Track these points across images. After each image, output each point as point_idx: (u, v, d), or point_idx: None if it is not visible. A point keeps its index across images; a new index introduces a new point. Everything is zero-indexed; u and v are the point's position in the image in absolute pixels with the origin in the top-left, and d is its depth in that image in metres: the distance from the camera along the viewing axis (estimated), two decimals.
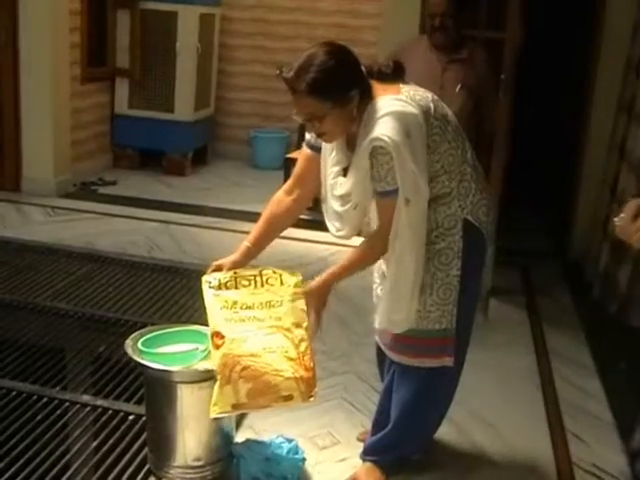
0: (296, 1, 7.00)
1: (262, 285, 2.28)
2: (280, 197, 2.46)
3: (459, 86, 3.47)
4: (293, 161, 5.47)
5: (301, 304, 2.26)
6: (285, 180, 5.46)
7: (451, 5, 3.54)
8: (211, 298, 2.26)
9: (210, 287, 2.28)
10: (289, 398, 2.15)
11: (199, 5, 6.47)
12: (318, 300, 2.26)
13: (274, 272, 2.30)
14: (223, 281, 2.28)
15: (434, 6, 3.59)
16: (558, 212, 5.35)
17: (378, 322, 2.36)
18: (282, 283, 2.29)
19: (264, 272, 2.30)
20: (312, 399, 2.19)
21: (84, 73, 5.98)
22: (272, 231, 2.45)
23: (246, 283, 2.28)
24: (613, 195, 4.30)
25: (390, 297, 2.28)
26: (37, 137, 5.56)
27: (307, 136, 2.42)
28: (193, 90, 6.55)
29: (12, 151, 5.61)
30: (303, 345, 2.20)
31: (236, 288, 2.27)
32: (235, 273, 2.30)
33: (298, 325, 2.22)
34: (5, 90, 5.51)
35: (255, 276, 2.29)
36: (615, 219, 2.00)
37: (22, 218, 5.19)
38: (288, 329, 2.20)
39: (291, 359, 2.16)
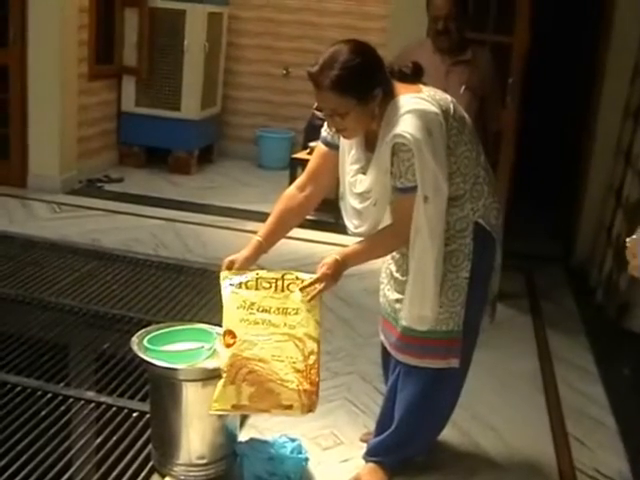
0: (304, 1, 7.02)
1: (282, 290, 2.26)
2: (292, 193, 2.46)
3: (463, 87, 3.47)
4: (299, 161, 5.50)
5: (316, 314, 2.25)
6: (291, 180, 5.54)
7: (454, 8, 3.55)
8: (229, 295, 2.26)
9: (230, 284, 2.28)
10: (289, 407, 2.16)
11: (207, 4, 6.49)
12: (333, 276, 2.22)
13: (297, 278, 2.28)
14: (244, 280, 2.27)
15: (437, 9, 3.59)
16: (563, 216, 5.35)
17: (405, 319, 2.33)
18: (301, 291, 2.27)
19: (286, 277, 2.28)
20: (311, 413, 2.20)
21: (92, 70, 6.00)
22: (283, 226, 2.45)
23: (267, 285, 2.27)
24: (618, 200, 4.31)
25: (415, 293, 2.27)
26: (44, 134, 5.57)
27: (323, 133, 2.43)
28: (200, 89, 6.56)
29: (19, 147, 5.63)
30: (312, 358, 2.20)
31: (256, 289, 2.26)
32: (258, 274, 2.29)
33: (310, 337, 2.22)
34: (13, 86, 5.53)
35: (277, 280, 2.27)
36: (627, 239, 2.03)
37: (28, 214, 5.20)
38: (300, 339, 2.21)
39: (298, 371, 2.17)
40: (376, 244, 2.31)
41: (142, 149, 6.69)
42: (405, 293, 2.32)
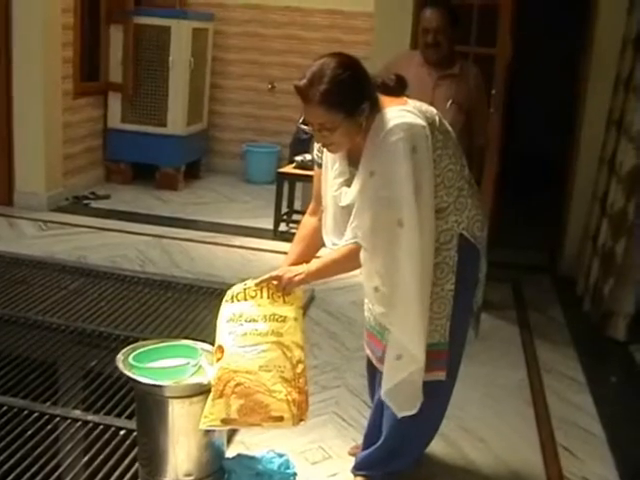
0: (289, 16, 7.05)
1: (268, 297, 2.29)
2: (306, 220, 2.52)
3: (450, 101, 3.49)
4: (285, 176, 5.50)
5: (302, 324, 2.29)
6: (277, 194, 5.53)
7: (444, 21, 3.57)
8: (222, 310, 2.30)
9: (225, 300, 2.32)
10: (279, 419, 2.16)
11: (192, 20, 6.52)
12: (290, 286, 2.28)
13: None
14: (235, 294, 2.31)
15: (427, 22, 3.61)
16: (550, 226, 5.37)
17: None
18: (285, 302, 2.30)
19: (272, 285, 2.30)
20: (303, 423, 2.20)
21: (76, 88, 6.00)
22: (305, 251, 2.46)
23: (253, 294, 2.30)
24: (603, 209, 4.33)
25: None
26: (29, 151, 5.57)
27: (314, 155, 2.46)
28: (186, 104, 6.57)
29: (4, 165, 5.61)
30: (300, 367, 2.21)
31: (245, 299, 2.29)
32: (245, 284, 2.32)
33: (298, 345, 2.23)
34: None
35: (262, 287, 2.30)
36: None
37: (14, 232, 5.18)
38: (288, 347, 2.21)
39: (286, 380, 2.17)
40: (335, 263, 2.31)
41: (129, 165, 6.69)
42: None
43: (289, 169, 5.50)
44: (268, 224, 5.47)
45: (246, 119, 7.36)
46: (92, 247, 4.92)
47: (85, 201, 5.98)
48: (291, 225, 5.48)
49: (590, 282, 4.33)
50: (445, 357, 2.35)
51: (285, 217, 5.60)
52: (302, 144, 5.58)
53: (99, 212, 5.75)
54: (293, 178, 5.52)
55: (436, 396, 2.43)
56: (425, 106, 2.27)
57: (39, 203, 5.60)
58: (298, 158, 5.36)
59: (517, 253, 5.24)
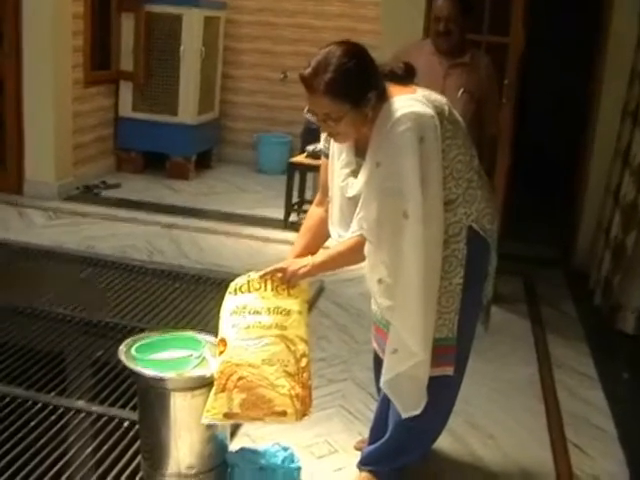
0: (301, 5, 7.00)
1: (272, 290, 2.25)
2: (312, 211, 2.48)
3: (461, 90, 3.44)
4: (296, 166, 5.46)
5: (307, 317, 2.25)
6: (289, 185, 5.49)
7: (455, 10, 3.52)
8: (226, 302, 2.27)
9: (228, 292, 2.28)
10: (282, 414, 2.12)
11: (204, 8, 6.47)
12: (294, 279, 2.25)
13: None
14: (238, 286, 2.27)
15: (439, 10, 3.56)
16: (563, 218, 5.31)
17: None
18: (290, 295, 2.26)
19: (276, 277, 2.27)
20: (306, 418, 2.16)
21: (87, 76, 5.97)
22: (311, 243, 2.41)
23: (257, 286, 2.26)
24: (616, 202, 4.26)
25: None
26: (39, 140, 5.55)
27: (321, 145, 2.41)
28: (197, 93, 6.54)
29: (15, 154, 5.60)
30: (304, 361, 2.18)
31: (249, 292, 2.26)
32: (249, 276, 2.28)
33: (302, 339, 2.20)
34: (8, 94, 5.50)
35: (266, 280, 2.26)
36: None
37: (24, 221, 5.17)
38: (292, 341, 2.18)
39: (290, 374, 2.14)
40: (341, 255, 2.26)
41: (140, 155, 6.66)
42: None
43: (300, 159, 5.46)
44: (279, 214, 5.43)
45: (258, 109, 7.32)
46: (101, 237, 4.90)
47: (95, 190, 5.96)
48: (302, 215, 5.43)
49: (601, 275, 4.27)
50: (453, 352, 2.30)
51: (296, 207, 5.56)
52: (313, 133, 5.50)
53: (109, 201, 5.73)
54: (304, 168, 5.48)
55: (444, 391, 2.39)
56: (434, 95, 2.21)
57: (49, 192, 5.59)
58: (309, 148, 5.31)
59: (529, 246, 5.18)
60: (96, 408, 2.85)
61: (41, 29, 5.33)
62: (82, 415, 2.81)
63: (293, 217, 5.42)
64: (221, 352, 2.19)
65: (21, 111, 5.51)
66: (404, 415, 2.27)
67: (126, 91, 6.53)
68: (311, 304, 3.93)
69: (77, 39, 5.75)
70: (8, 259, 4.41)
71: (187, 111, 6.50)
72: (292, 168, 5.48)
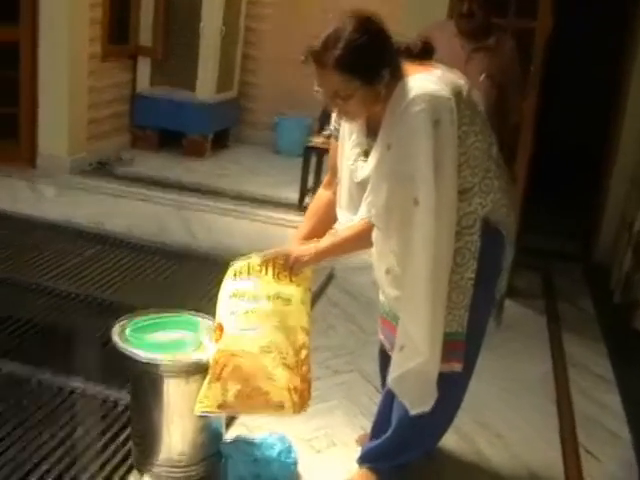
0: None
1: (273, 275, 2.15)
2: (320, 192, 2.40)
3: (483, 75, 3.31)
4: (313, 150, 5.35)
5: (308, 308, 2.17)
6: (304, 168, 5.39)
7: None
8: (224, 285, 2.17)
9: (227, 276, 2.18)
10: (279, 407, 2.04)
11: None
12: (297, 266, 2.15)
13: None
14: (238, 269, 2.17)
15: None
16: (584, 212, 5.16)
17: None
18: (291, 282, 2.16)
19: (278, 262, 2.16)
20: (304, 411, 2.07)
21: (105, 50, 5.86)
22: (318, 226, 2.32)
23: (258, 269, 2.16)
24: None
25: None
26: (53, 114, 5.46)
27: (332, 126, 2.31)
28: (215, 71, 6.43)
29: (28, 128, 5.52)
30: (304, 352, 2.10)
31: (248, 274, 2.15)
32: (249, 258, 2.18)
33: (303, 329, 2.11)
34: (23, 67, 5.41)
35: (267, 264, 2.16)
36: None
37: (35, 195, 5.10)
38: (291, 330, 2.09)
39: (288, 367, 2.05)
40: (357, 234, 2.15)
41: (155, 132, 6.55)
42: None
43: (318, 141, 5.35)
44: (294, 197, 5.32)
45: (278, 90, 7.19)
46: (111, 213, 4.82)
47: (109, 167, 5.88)
48: None
49: (623, 272, 4.13)
50: (463, 348, 2.19)
51: (311, 190, 5.46)
52: (331, 116, 5.41)
53: (121, 178, 5.64)
54: (321, 151, 5.36)
55: (451, 388, 2.27)
56: (453, 75, 2.08)
57: (62, 166, 5.51)
58: (326, 131, 5.19)
59: (548, 239, 5.04)
60: (91, 388, 2.76)
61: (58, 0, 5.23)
62: (76, 394, 2.73)
63: (308, 200, 5.31)
64: (217, 339, 2.10)
65: (36, 83, 5.42)
66: (412, 412, 2.17)
67: (144, 67, 6.43)
68: (320, 292, 3.83)
69: (95, 11, 5.64)
70: (16, 231, 4.34)
71: (205, 88, 6.39)
72: (309, 151, 5.38)
